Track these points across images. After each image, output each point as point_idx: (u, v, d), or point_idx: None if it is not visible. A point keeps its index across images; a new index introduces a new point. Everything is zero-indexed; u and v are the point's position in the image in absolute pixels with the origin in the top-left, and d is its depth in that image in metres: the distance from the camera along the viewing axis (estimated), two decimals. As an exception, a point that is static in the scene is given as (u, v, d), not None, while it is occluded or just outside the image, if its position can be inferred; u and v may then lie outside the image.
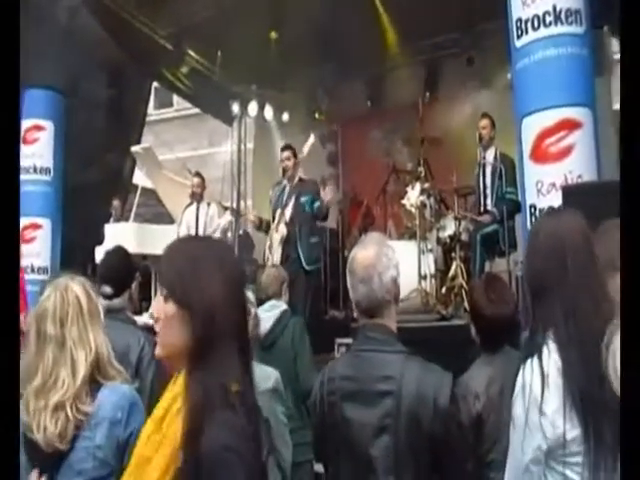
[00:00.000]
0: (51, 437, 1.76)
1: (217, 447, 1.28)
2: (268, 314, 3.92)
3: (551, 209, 2.05)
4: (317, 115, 10.82)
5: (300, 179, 6.34)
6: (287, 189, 6.34)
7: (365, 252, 2.09)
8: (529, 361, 1.62)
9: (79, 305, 1.90)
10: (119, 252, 3.28)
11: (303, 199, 6.19)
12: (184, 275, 1.44)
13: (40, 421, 1.77)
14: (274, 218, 6.32)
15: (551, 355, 1.58)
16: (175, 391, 1.44)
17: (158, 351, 1.47)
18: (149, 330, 3.67)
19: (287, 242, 6.13)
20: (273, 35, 9.13)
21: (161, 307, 1.44)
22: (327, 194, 6.11)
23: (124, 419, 1.87)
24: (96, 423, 1.82)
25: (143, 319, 5.76)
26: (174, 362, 1.45)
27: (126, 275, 3.16)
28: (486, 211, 6.47)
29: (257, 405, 1.44)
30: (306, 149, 6.44)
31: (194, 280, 1.43)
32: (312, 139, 6.54)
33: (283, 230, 6.15)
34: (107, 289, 3.03)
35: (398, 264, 2.10)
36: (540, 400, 1.55)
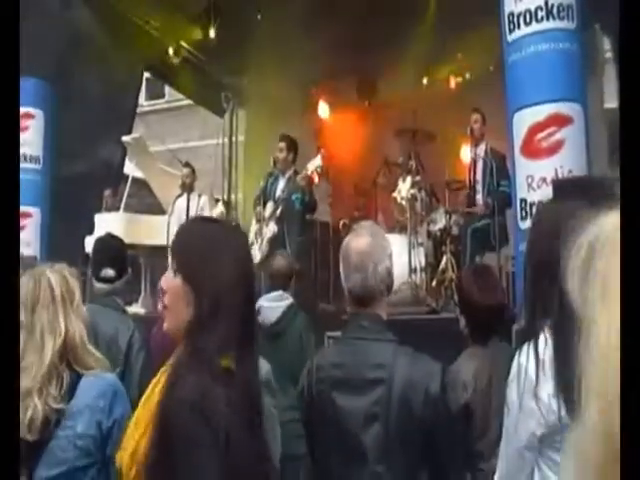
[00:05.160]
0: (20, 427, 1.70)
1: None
2: (275, 304, 3.84)
3: (555, 194, 2.03)
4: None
5: (293, 174, 6.28)
6: (280, 182, 6.30)
7: (360, 240, 2.07)
8: (525, 346, 1.62)
9: (51, 291, 1.87)
10: (114, 236, 3.31)
11: (294, 196, 6.15)
12: (195, 253, 1.50)
13: None
14: (264, 209, 6.29)
15: (548, 341, 1.58)
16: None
17: (165, 324, 1.52)
18: (143, 320, 3.68)
19: (276, 239, 6.09)
20: (265, 27, 9.07)
21: (170, 280, 1.50)
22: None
23: (107, 407, 1.84)
24: (78, 411, 1.80)
25: (133, 309, 5.74)
26: (179, 337, 1.48)
27: (125, 257, 3.17)
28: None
29: (256, 392, 1.46)
30: (311, 167, 6.22)
31: (204, 259, 1.48)
32: (319, 161, 6.24)
33: (274, 227, 6.11)
34: (110, 271, 3.02)
35: (392, 255, 2.10)
36: (535, 384, 1.54)
